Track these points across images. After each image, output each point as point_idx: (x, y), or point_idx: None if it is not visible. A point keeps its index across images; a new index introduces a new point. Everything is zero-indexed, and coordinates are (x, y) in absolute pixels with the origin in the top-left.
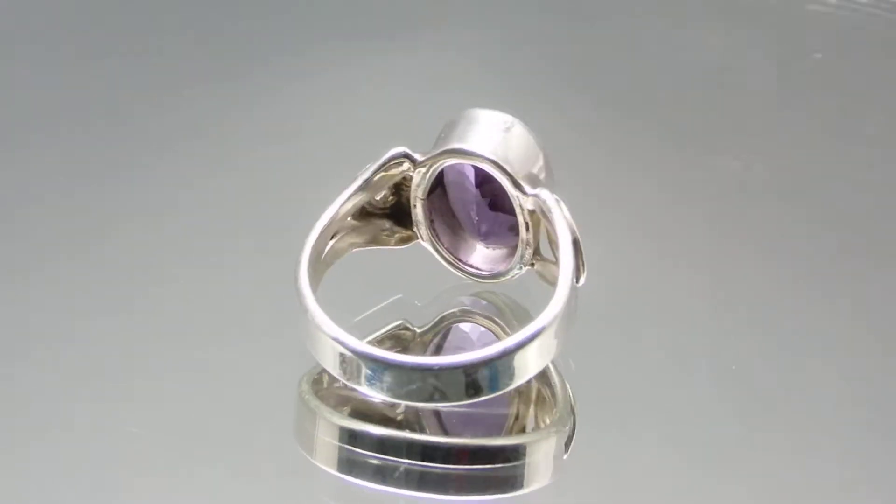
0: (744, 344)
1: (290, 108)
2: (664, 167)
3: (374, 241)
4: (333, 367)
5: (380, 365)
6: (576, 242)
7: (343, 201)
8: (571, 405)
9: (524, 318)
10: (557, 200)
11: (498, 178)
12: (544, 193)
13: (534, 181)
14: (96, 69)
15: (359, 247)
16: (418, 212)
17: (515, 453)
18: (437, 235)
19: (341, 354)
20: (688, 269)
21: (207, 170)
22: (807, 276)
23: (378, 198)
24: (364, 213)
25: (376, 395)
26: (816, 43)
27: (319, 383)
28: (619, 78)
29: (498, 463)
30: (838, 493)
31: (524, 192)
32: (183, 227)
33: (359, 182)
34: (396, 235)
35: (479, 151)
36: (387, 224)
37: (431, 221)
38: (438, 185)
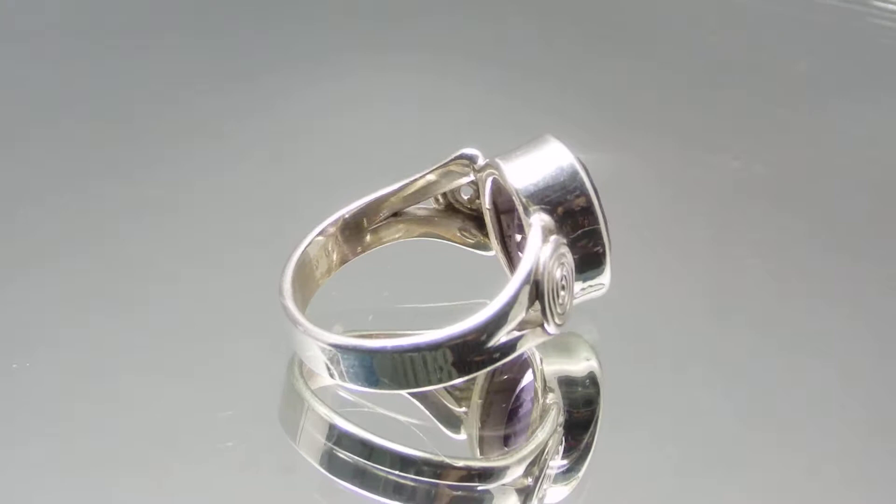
0: (745, 344)
1: (296, 115)
2: (663, 167)
3: (445, 235)
4: (320, 367)
5: (359, 354)
6: (537, 284)
7: (396, 187)
8: (544, 453)
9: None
10: (546, 235)
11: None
12: (535, 225)
13: (548, 218)
14: (105, 70)
15: (422, 235)
16: (487, 220)
17: (486, 476)
18: (507, 250)
19: (322, 350)
20: (688, 270)
21: (211, 172)
22: (808, 276)
23: (466, 196)
24: (450, 207)
25: (364, 389)
26: (816, 42)
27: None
28: (617, 78)
29: (468, 482)
30: (839, 492)
31: (528, 218)
32: (186, 227)
33: (420, 173)
34: (476, 239)
35: (504, 170)
36: (467, 224)
37: (508, 236)
38: None
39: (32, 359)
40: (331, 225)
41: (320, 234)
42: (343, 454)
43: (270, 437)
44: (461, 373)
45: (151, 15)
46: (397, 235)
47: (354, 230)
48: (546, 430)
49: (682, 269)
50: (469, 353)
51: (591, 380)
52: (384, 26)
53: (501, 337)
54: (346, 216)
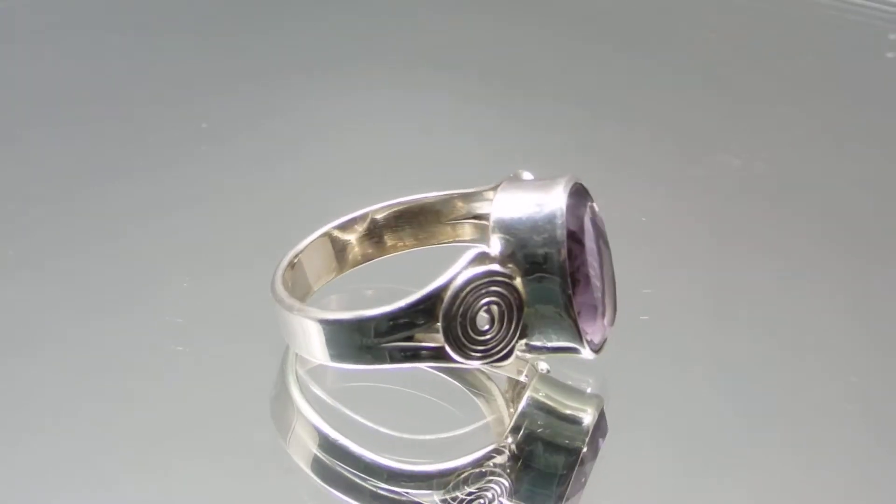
0: (747, 344)
1: (299, 122)
2: (663, 166)
3: None
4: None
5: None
6: (441, 301)
7: (460, 192)
8: (456, 483)
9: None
10: (482, 260)
11: None
12: (476, 249)
13: (500, 247)
14: (109, 72)
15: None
16: None
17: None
18: None
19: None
20: (687, 269)
21: (213, 175)
22: (810, 274)
23: None
24: None
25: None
26: (816, 42)
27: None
28: (617, 76)
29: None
30: (842, 492)
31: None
32: (187, 229)
33: (462, 189)
34: None
35: (498, 193)
36: None
37: None
38: None
39: (31, 358)
40: (357, 222)
41: (340, 227)
42: (328, 459)
43: (268, 437)
44: (357, 360)
45: (157, 15)
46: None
47: (423, 221)
48: (466, 460)
49: (683, 267)
50: (365, 339)
51: (578, 439)
52: (390, 36)
53: (393, 340)
54: (377, 216)
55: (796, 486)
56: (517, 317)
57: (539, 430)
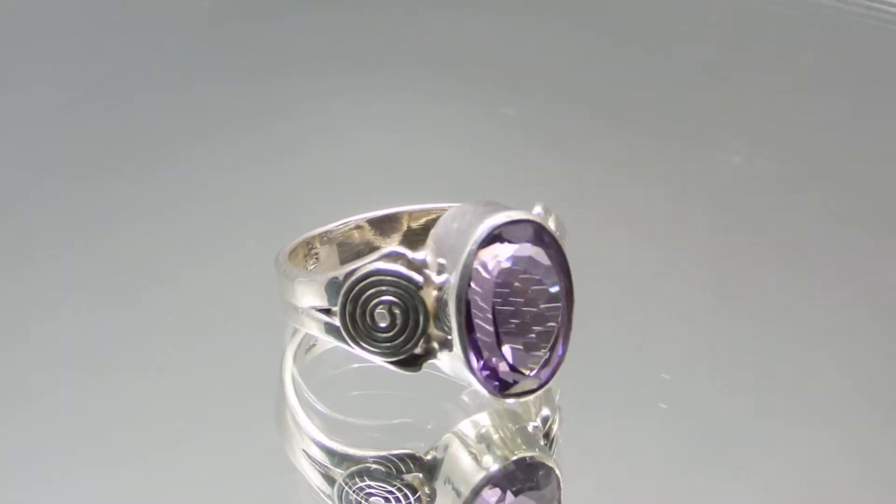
0: (748, 340)
1: (298, 125)
2: (663, 163)
3: None
4: (302, 321)
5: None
6: (343, 285)
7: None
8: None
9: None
10: (394, 259)
11: None
12: (397, 249)
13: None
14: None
15: None
16: None
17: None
18: None
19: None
20: (689, 266)
21: (213, 174)
22: (810, 271)
23: None
24: None
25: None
26: (816, 41)
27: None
28: (617, 73)
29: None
30: (844, 489)
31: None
32: (184, 226)
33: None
34: None
35: (451, 207)
36: None
37: None
38: None
39: (30, 356)
40: (392, 221)
41: (370, 222)
42: (326, 468)
43: (267, 437)
44: (293, 320)
45: (159, 14)
46: None
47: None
48: (371, 453)
49: (683, 264)
50: (294, 302)
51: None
52: (395, 38)
53: (310, 308)
54: (413, 224)
55: (803, 488)
56: (421, 327)
57: (461, 455)
